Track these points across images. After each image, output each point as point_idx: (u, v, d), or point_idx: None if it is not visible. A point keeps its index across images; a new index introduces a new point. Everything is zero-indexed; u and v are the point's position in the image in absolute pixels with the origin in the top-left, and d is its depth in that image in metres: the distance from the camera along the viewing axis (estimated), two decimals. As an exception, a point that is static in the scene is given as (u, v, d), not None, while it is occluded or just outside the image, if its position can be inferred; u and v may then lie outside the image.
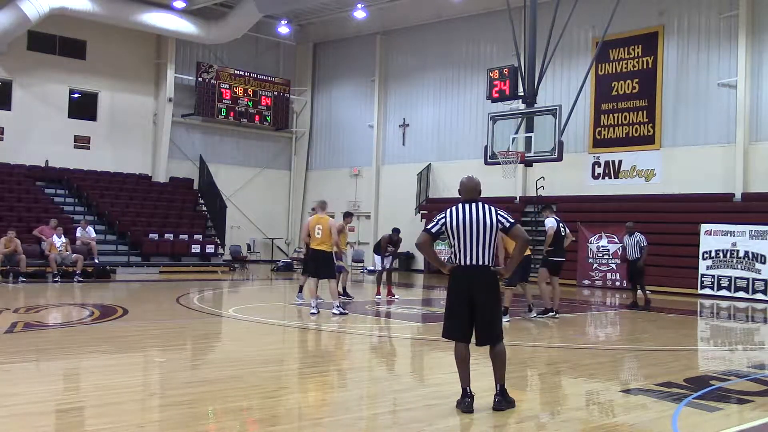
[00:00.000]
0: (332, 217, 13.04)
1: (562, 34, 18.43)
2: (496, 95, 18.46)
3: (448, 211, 6.14)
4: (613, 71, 22.79)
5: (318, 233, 12.28)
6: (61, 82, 25.87)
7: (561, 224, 13.02)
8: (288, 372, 8.05)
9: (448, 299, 6.14)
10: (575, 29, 22.02)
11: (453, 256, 6.13)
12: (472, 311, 5.99)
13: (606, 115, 22.91)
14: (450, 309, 6.12)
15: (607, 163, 22.89)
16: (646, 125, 22.07)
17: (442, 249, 19.85)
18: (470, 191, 6.21)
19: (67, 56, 25.99)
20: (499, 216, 6.08)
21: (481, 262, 5.99)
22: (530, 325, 11.99)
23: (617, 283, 20.28)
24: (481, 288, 5.99)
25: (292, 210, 31.45)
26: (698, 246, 18.74)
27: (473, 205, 6.11)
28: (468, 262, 6.00)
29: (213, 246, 24.40)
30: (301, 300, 13.89)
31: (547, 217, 13.14)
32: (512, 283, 12.21)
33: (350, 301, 14.70)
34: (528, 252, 12.38)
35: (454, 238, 6.06)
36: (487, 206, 6.13)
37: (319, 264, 12.34)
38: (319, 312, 12.28)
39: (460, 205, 6.14)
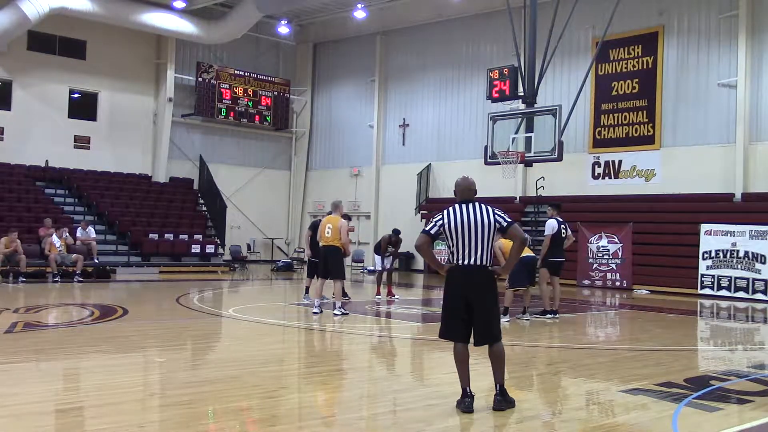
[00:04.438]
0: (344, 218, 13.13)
1: (562, 34, 18.45)
2: (496, 95, 18.48)
3: (446, 211, 6.13)
4: (613, 71, 22.78)
5: (328, 232, 12.37)
6: (61, 82, 25.87)
7: (563, 225, 13.00)
8: (288, 372, 8.05)
9: (446, 299, 6.13)
10: (575, 29, 22.00)
11: (450, 255, 6.13)
12: (470, 311, 5.99)
13: (606, 115, 22.91)
14: (447, 309, 6.12)
15: (607, 163, 22.89)
16: (646, 125, 22.07)
17: (441, 249, 19.85)
18: (465, 191, 6.21)
19: (67, 56, 25.99)
20: (496, 215, 6.07)
21: (478, 262, 5.98)
22: (529, 325, 11.99)
23: (617, 283, 20.28)
24: (478, 288, 5.99)
25: (292, 210, 31.45)
26: (698, 246, 18.72)
27: (470, 205, 6.10)
28: (465, 262, 6.00)
29: (213, 246, 24.40)
30: (308, 300, 13.88)
31: (550, 217, 13.12)
32: (518, 285, 12.20)
33: (348, 302, 14.69)
34: (530, 252, 12.38)
35: (451, 239, 6.05)
36: (484, 206, 6.13)
37: (329, 261, 12.35)
38: (322, 312, 12.29)
39: (457, 206, 6.14)
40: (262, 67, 30.49)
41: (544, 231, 13.33)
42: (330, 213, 14.19)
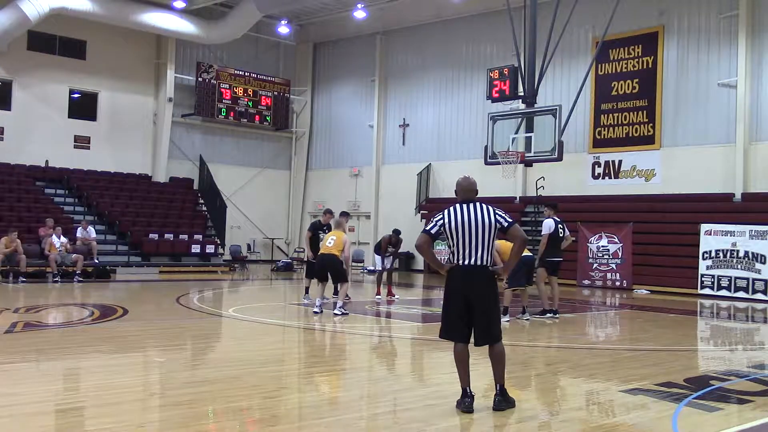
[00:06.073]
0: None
1: (562, 34, 18.43)
2: (496, 95, 18.47)
3: (446, 211, 6.13)
4: (613, 71, 22.78)
5: (330, 243, 12.40)
6: (61, 82, 25.86)
7: (560, 225, 12.99)
8: (288, 372, 8.05)
9: (446, 299, 6.13)
10: (575, 29, 22.00)
11: (451, 255, 6.13)
12: (470, 311, 5.98)
13: (606, 115, 22.91)
14: (448, 309, 6.11)
15: (607, 163, 22.89)
16: (646, 125, 22.07)
17: (441, 249, 19.85)
18: (467, 191, 6.20)
19: (67, 56, 25.98)
20: (497, 215, 6.07)
21: (479, 262, 5.98)
22: (529, 325, 11.99)
23: (617, 283, 20.28)
24: (479, 288, 5.98)
25: (292, 210, 31.44)
26: (698, 246, 18.71)
27: (471, 205, 6.10)
28: (466, 262, 5.99)
29: (213, 246, 24.39)
30: (309, 301, 13.90)
31: (548, 217, 13.11)
32: (516, 284, 12.19)
33: (348, 302, 14.69)
34: (528, 252, 12.37)
35: (452, 238, 6.05)
36: (485, 206, 6.12)
37: (329, 269, 12.43)
38: (322, 312, 12.30)
39: (457, 205, 6.14)
40: (262, 67, 30.48)
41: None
42: (328, 213, 14.69)
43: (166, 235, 23.52)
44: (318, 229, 14.44)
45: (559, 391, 7.25)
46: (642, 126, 22.13)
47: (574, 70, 22.95)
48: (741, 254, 18.02)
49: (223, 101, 28.85)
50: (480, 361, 6.56)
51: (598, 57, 21.66)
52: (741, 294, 17.87)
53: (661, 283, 19.55)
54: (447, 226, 6.05)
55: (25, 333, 9.84)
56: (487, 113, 19.35)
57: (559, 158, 17.53)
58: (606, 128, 22.89)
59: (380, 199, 28.81)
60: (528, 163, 19.27)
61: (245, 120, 29.62)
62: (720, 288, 18.28)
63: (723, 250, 18.37)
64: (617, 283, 20.30)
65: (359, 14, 26.47)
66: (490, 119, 18.76)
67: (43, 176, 24.85)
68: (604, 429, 5.65)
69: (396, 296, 15.91)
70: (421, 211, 25.97)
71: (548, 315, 12.67)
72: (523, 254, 11.63)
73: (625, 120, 22.47)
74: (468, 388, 5.94)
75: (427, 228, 6.16)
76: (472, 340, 6.04)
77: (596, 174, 23.10)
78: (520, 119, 18.30)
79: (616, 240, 20.42)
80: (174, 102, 27.78)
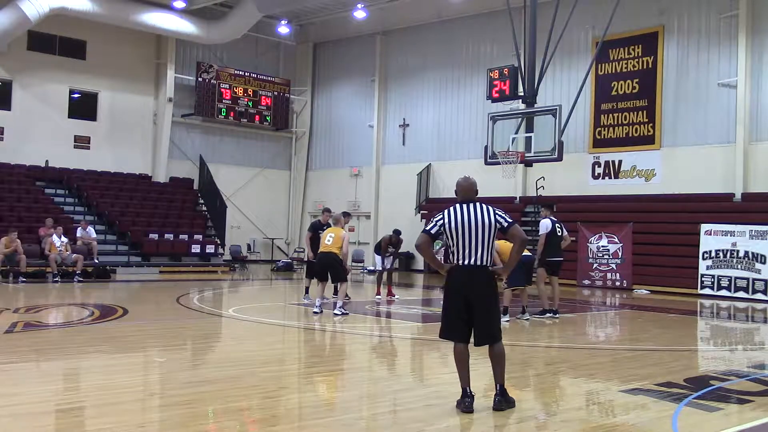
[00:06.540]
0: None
1: (562, 34, 18.44)
2: (496, 95, 18.49)
3: (446, 211, 6.13)
4: (613, 71, 22.78)
5: (329, 240, 12.42)
6: (61, 82, 25.86)
7: (558, 225, 13.00)
8: (288, 372, 8.05)
9: (446, 299, 6.13)
10: (575, 29, 21.98)
11: (451, 255, 6.13)
12: (470, 311, 5.98)
13: (606, 115, 22.90)
14: (448, 309, 6.11)
15: (607, 163, 22.88)
16: (646, 125, 22.06)
17: (440, 249, 19.84)
18: (467, 191, 6.21)
19: (67, 56, 25.98)
20: (497, 215, 6.07)
21: (479, 262, 5.98)
22: (529, 325, 11.99)
23: (617, 283, 20.28)
24: (478, 288, 5.98)
25: (292, 210, 31.45)
26: (698, 246, 18.71)
27: (471, 205, 6.10)
28: (466, 262, 5.99)
29: (213, 246, 24.40)
30: (309, 300, 13.91)
31: (544, 217, 13.13)
32: (515, 284, 12.19)
33: (348, 302, 14.69)
34: (528, 252, 12.38)
35: (452, 239, 6.05)
36: (485, 206, 6.12)
37: (328, 267, 12.47)
38: (322, 312, 12.30)
39: (458, 205, 6.14)
40: (262, 67, 30.48)
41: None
42: (326, 212, 14.77)
43: (166, 235, 23.52)
44: (318, 229, 14.44)
45: (558, 391, 7.25)
46: (642, 126, 22.13)
47: (574, 70, 22.94)
48: (741, 254, 18.02)
49: (223, 101, 28.85)
50: (480, 361, 6.56)
51: (598, 57, 21.67)
52: (741, 294, 17.87)
53: (661, 283, 19.55)
54: (447, 226, 6.05)
55: (25, 333, 9.83)
56: (487, 113, 19.36)
57: (559, 158, 17.54)
58: (606, 128, 22.89)
59: (380, 199, 28.81)
60: (528, 163, 19.29)
61: (245, 120, 29.61)
62: (720, 288, 18.27)
63: (723, 250, 18.37)
64: (617, 283, 20.30)
65: (359, 14, 26.48)
66: (490, 119, 18.77)
67: (43, 176, 24.85)
68: (604, 429, 5.65)
69: (396, 296, 15.92)
70: (421, 211, 25.97)
71: (548, 315, 12.68)
72: (523, 254, 11.68)
73: (625, 120, 22.47)
74: (468, 388, 5.94)
75: (427, 228, 6.16)
76: (472, 340, 6.05)
77: (596, 174, 23.09)
78: (520, 119, 18.31)
79: (616, 240, 20.42)
80: (174, 102, 27.78)
